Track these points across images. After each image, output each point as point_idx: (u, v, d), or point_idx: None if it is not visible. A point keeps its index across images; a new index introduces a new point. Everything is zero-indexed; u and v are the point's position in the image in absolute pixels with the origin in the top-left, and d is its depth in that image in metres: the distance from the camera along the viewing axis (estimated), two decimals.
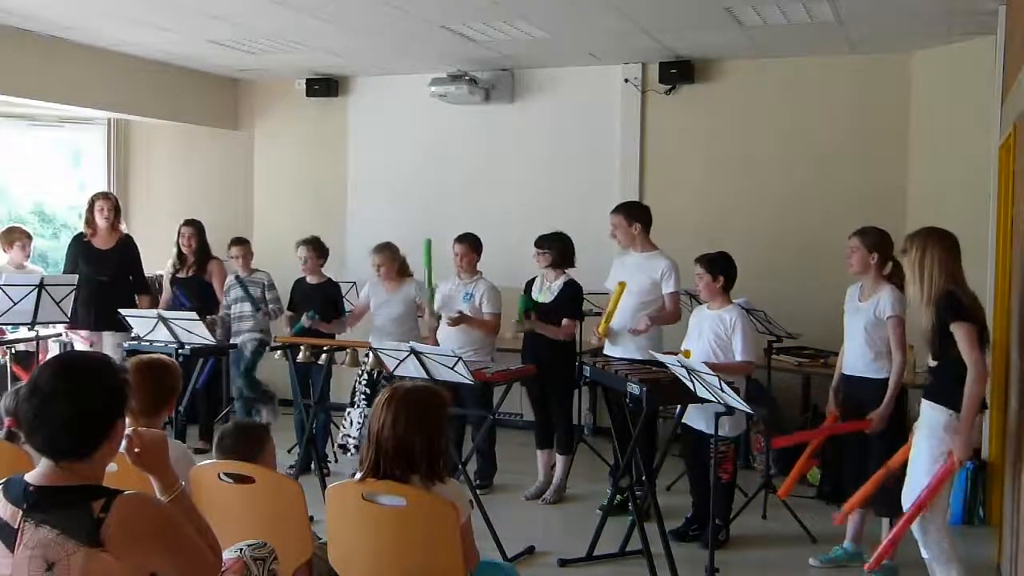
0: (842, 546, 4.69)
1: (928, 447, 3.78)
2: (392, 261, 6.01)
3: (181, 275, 6.74)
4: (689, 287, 6.20)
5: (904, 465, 3.96)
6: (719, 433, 4.30)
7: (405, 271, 6.10)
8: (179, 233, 6.75)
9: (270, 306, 6.46)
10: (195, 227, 6.76)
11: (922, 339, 3.91)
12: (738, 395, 3.91)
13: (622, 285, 5.01)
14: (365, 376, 5.80)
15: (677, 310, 5.43)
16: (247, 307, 6.43)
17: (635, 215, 5.44)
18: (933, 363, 3.86)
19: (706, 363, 4.19)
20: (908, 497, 3.83)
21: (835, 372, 4.76)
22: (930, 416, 3.82)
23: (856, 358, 4.52)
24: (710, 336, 4.81)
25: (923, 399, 3.89)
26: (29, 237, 6.68)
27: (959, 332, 3.67)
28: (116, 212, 6.70)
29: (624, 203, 5.68)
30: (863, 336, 4.46)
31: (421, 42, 6.67)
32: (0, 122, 7.75)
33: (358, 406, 5.80)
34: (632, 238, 5.41)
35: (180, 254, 6.74)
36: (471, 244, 5.84)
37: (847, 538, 4.69)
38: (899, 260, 4.16)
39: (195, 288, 6.67)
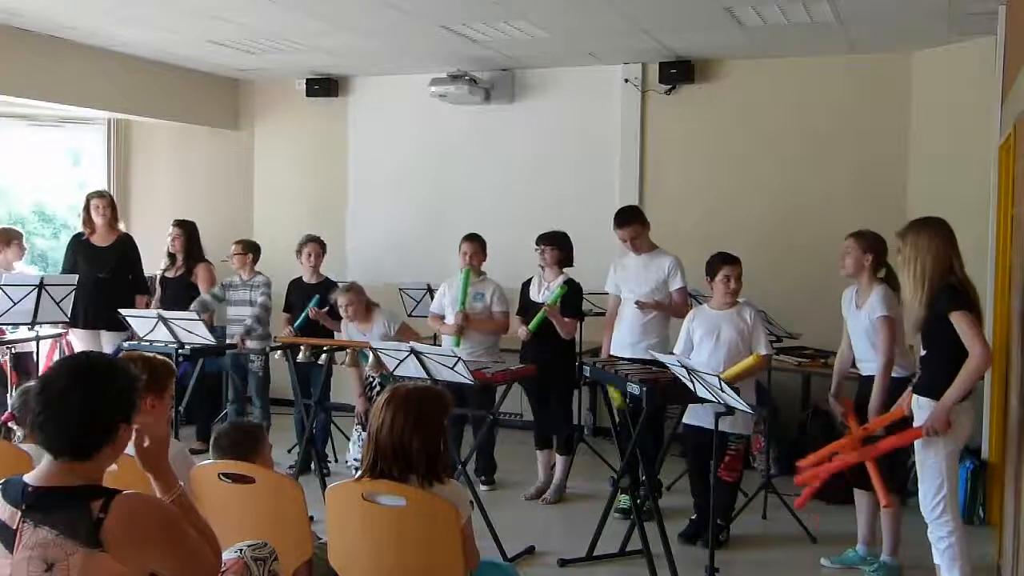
0: (855, 549, 4.66)
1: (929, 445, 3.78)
2: (359, 301, 5.75)
3: (169, 274, 6.81)
4: (692, 287, 6.22)
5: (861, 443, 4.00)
6: (732, 430, 4.29)
7: (371, 305, 5.84)
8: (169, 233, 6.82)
9: (258, 300, 6.33)
10: (182, 227, 6.80)
11: (912, 329, 3.88)
12: (738, 394, 3.89)
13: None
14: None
15: (687, 306, 5.45)
16: (245, 310, 6.42)
17: (644, 219, 5.48)
18: (923, 352, 3.85)
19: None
20: (924, 503, 3.80)
21: (833, 376, 4.71)
22: (921, 417, 3.81)
23: (868, 361, 4.44)
24: (734, 336, 4.79)
25: (914, 395, 3.89)
26: (21, 236, 6.67)
27: (961, 321, 3.63)
28: (113, 209, 6.73)
29: (627, 210, 5.59)
30: (868, 339, 4.41)
31: (421, 42, 6.67)
32: (0, 122, 7.74)
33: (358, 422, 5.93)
34: (647, 241, 5.45)
35: (171, 253, 6.82)
36: (481, 244, 5.87)
37: (860, 541, 4.66)
38: (891, 263, 4.12)
39: (180, 288, 6.70)
